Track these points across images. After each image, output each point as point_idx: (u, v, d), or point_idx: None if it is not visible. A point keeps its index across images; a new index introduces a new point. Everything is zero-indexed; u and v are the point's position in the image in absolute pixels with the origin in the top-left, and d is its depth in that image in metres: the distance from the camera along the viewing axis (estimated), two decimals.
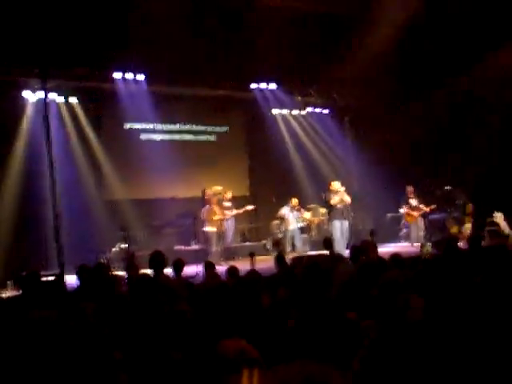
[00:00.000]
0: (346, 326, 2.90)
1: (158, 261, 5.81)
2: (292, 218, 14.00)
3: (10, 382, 1.75)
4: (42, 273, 6.73)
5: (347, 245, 11.92)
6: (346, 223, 12.10)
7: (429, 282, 4.07)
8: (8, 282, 9.55)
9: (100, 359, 1.81)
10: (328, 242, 8.46)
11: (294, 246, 13.81)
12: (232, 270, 6.23)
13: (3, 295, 8.71)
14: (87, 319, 2.78)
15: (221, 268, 8.83)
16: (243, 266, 8.28)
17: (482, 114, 13.72)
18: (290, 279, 4.95)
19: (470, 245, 7.29)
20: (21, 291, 5.71)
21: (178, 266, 6.52)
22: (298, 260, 8.94)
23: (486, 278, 3.84)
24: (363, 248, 7.21)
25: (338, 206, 12.04)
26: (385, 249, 12.32)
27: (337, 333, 2.83)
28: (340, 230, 11.95)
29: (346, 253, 11.08)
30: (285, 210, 14.06)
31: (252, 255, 7.98)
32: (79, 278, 5.73)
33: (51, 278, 7.61)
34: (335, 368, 1.25)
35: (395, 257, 6.41)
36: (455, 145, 14.32)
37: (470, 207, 13.63)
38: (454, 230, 13.95)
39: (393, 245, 14.23)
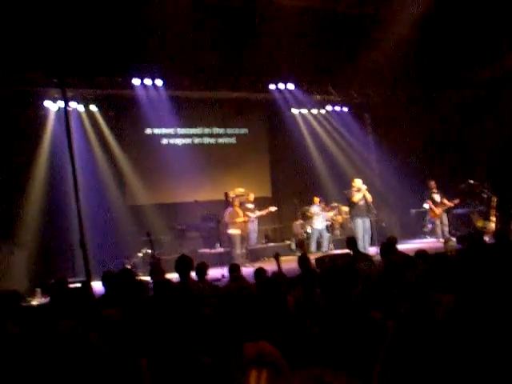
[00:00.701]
0: (370, 326, 2.89)
1: (184, 265, 5.83)
2: (321, 217, 14.02)
3: None
4: (70, 280, 6.81)
5: (371, 242, 11.89)
6: (367, 221, 12.04)
7: (455, 277, 4.03)
8: (37, 290, 9.68)
9: (124, 367, 1.84)
10: (351, 241, 8.41)
11: (319, 246, 13.81)
12: (259, 272, 6.23)
13: (33, 303, 8.85)
14: (112, 327, 2.81)
15: (246, 270, 8.85)
16: (269, 267, 8.28)
17: (504, 108, 13.55)
18: (310, 280, 4.93)
19: (497, 239, 7.20)
20: (49, 298, 5.78)
21: (202, 270, 6.53)
22: (321, 260, 8.92)
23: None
24: (389, 244, 7.18)
25: (360, 203, 11.99)
26: (410, 245, 12.26)
27: (362, 333, 2.82)
28: (362, 227, 11.89)
29: (371, 250, 11.05)
30: (315, 209, 14.06)
31: (277, 256, 7.94)
32: (104, 284, 5.78)
33: (78, 285, 7.70)
34: (351, 376, 1.25)
35: (420, 253, 6.36)
36: (478, 138, 14.17)
37: (495, 200, 13.46)
38: (480, 224, 13.78)
39: (418, 241, 14.13)
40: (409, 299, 2.99)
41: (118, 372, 1.69)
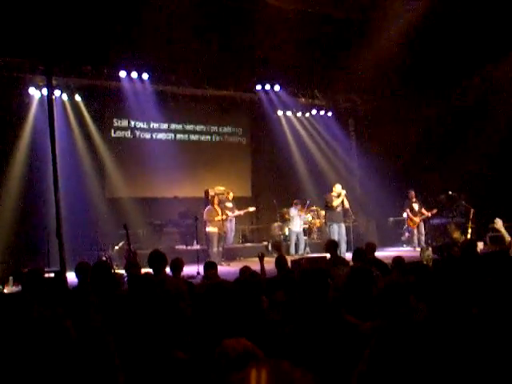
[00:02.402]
0: (344, 329, 2.91)
1: (157, 260, 5.80)
2: (298, 220, 14.04)
3: (8, 380, 1.76)
4: (45, 269, 6.73)
5: (348, 248, 11.95)
6: (343, 226, 12.12)
7: (429, 287, 4.07)
8: (9, 278, 9.56)
9: (99, 359, 1.82)
10: (331, 245, 8.43)
11: (296, 248, 13.84)
12: (245, 270, 6.19)
13: (5, 291, 8.75)
14: (88, 317, 2.79)
15: (221, 269, 8.84)
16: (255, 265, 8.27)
17: (486, 119, 13.69)
18: (289, 282, 4.94)
19: (463, 251, 7.27)
20: (21, 287, 5.71)
21: (177, 266, 6.50)
22: (297, 262, 8.93)
23: (485, 285, 3.84)
24: (363, 251, 7.22)
25: (338, 209, 12.06)
26: (387, 253, 12.32)
27: (335, 335, 2.84)
28: (337, 232, 11.96)
29: (347, 256, 11.10)
30: (293, 212, 14.09)
31: (262, 256, 7.91)
32: (78, 275, 5.72)
33: (52, 275, 7.63)
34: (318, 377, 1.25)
35: (397, 260, 6.42)
36: (458, 149, 14.31)
37: (472, 212, 13.59)
38: (456, 235, 13.91)
39: (395, 249, 14.22)
40: (386, 305, 3.02)
41: (91, 361, 1.68)
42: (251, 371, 1.21)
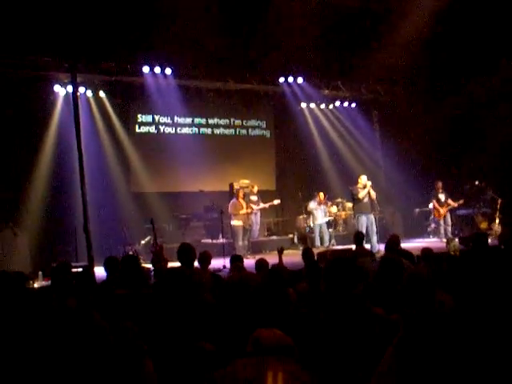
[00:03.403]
0: (372, 321, 2.90)
1: (186, 253, 5.82)
2: (320, 212, 14.00)
3: (35, 369, 1.79)
4: (72, 264, 6.82)
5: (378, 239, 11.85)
6: (371, 217, 12.02)
7: (457, 278, 4.04)
8: (39, 273, 9.71)
9: (126, 348, 1.85)
10: (358, 236, 8.40)
11: (322, 241, 13.80)
12: (261, 263, 6.23)
13: (35, 285, 8.89)
14: (116, 311, 2.83)
15: (247, 262, 8.85)
16: (270, 260, 8.30)
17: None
18: (315, 273, 4.93)
19: (503, 243, 7.16)
20: (51, 282, 5.80)
21: (205, 259, 6.53)
22: (323, 254, 8.92)
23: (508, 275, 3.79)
24: (392, 242, 7.17)
25: (365, 200, 11.97)
26: (413, 244, 12.25)
27: (364, 327, 2.83)
28: (366, 224, 11.88)
29: (379, 247, 11.05)
30: (312, 205, 14.07)
31: (281, 250, 7.97)
32: (106, 269, 5.79)
33: (80, 270, 7.72)
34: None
35: (426, 252, 6.36)
36: (485, 139, 14.12)
37: (499, 203, 13.42)
38: (483, 225, 13.77)
39: (421, 240, 14.12)
40: (414, 297, 3.00)
41: (121, 356, 1.70)
42: (268, 373, 1.21)
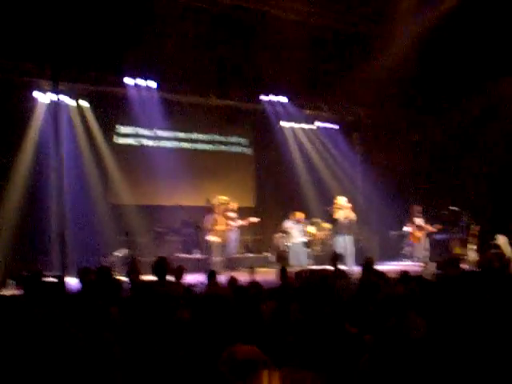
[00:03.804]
0: (346, 340, 2.90)
1: (162, 267, 5.79)
2: (296, 231, 13.98)
3: (9, 379, 1.75)
4: (45, 273, 6.72)
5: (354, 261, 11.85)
6: (349, 238, 12.05)
7: (431, 302, 4.06)
8: (9, 281, 9.55)
9: (99, 359, 1.82)
10: (335, 257, 8.42)
11: (298, 260, 13.77)
12: (231, 281, 6.22)
13: (5, 293, 8.73)
14: (92, 322, 2.79)
15: (222, 278, 8.81)
16: (244, 277, 8.29)
17: (489, 134, 13.70)
18: (290, 293, 4.93)
19: (481, 267, 7.21)
20: (22, 291, 5.70)
21: (178, 273, 6.50)
22: (299, 274, 8.90)
23: (486, 301, 3.82)
24: (368, 264, 7.20)
25: (343, 221, 12.01)
26: (388, 266, 12.29)
27: (337, 346, 2.83)
28: (343, 244, 11.90)
29: (355, 269, 11.06)
30: (288, 224, 14.06)
31: (252, 268, 8.01)
32: (81, 280, 5.73)
33: (52, 279, 7.61)
34: (323, 376, 1.24)
35: (404, 274, 6.38)
36: (463, 165, 14.32)
37: (474, 229, 13.56)
38: (458, 250, 13.89)
39: (396, 263, 14.18)
40: (387, 317, 3.01)
41: (95, 364, 1.67)
42: (263, 375, 1.20)
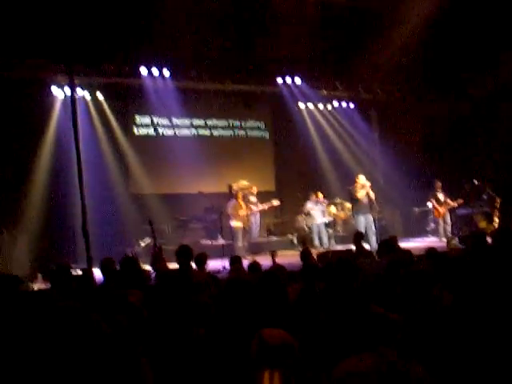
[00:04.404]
0: (373, 320, 2.89)
1: (185, 255, 5.82)
2: (317, 212, 13.97)
3: (31, 370, 1.77)
4: (72, 266, 6.79)
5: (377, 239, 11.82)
6: (370, 217, 12.01)
7: (456, 277, 4.02)
8: (38, 275, 9.69)
9: (126, 355, 1.84)
10: (357, 237, 8.40)
11: (321, 241, 13.77)
12: (254, 265, 6.22)
13: (34, 288, 8.85)
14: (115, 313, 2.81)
15: (246, 263, 8.85)
16: (268, 261, 8.30)
17: (506, 108, 13.50)
18: (311, 274, 4.92)
19: (495, 240, 7.10)
20: (50, 284, 5.77)
21: (201, 260, 6.52)
22: (323, 255, 8.91)
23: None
24: (390, 243, 7.14)
25: (363, 200, 11.96)
26: (412, 244, 12.24)
27: (363, 326, 2.82)
28: (364, 224, 11.86)
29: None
30: (309, 205, 14.05)
31: (273, 253, 8.00)
32: (103, 271, 5.78)
33: (79, 272, 7.70)
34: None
35: (431, 251, 6.31)
36: (483, 138, 14.14)
37: (498, 202, 13.41)
38: (483, 224, 13.75)
39: (420, 239, 14.12)
40: (413, 295, 2.99)
41: (120, 358, 1.69)
42: (264, 374, 1.20)
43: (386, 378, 1.18)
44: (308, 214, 14.16)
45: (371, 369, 1.19)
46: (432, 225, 14.66)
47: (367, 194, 11.96)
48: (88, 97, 13.73)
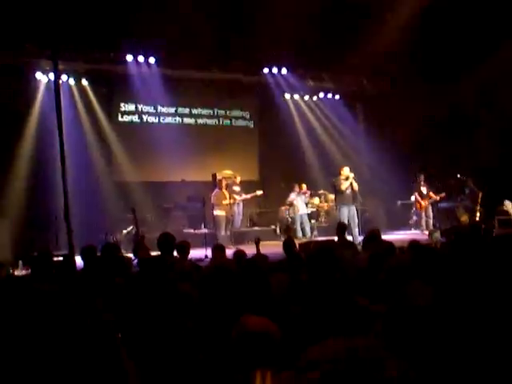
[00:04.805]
0: (355, 311, 2.91)
1: (166, 243, 5.80)
2: (300, 203, 14.01)
3: (11, 356, 1.76)
4: (53, 253, 6.75)
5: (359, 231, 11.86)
6: (353, 209, 12.05)
7: (437, 270, 4.05)
8: (19, 262, 9.62)
9: (102, 336, 1.83)
10: (340, 228, 8.42)
11: (303, 232, 13.82)
12: (239, 254, 6.21)
13: (15, 274, 8.79)
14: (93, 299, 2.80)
15: (229, 252, 8.85)
16: (250, 250, 8.30)
17: (494, 103, 13.59)
18: (296, 264, 4.93)
19: (470, 234, 7.15)
20: (31, 270, 5.74)
21: (184, 248, 6.49)
22: (305, 245, 8.92)
23: (493, 268, 3.81)
24: (373, 235, 7.16)
25: (347, 191, 12.00)
26: (395, 236, 12.30)
27: (346, 316, 2.84)
28: (347, 215, 11.91)
29: (359, 239, 11.06)
30: (292, 196, 14.09)
31: (257, 241, 7.98)
32: (83, 258, 5.75)
33: (61, 258, 7.66)
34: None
35: (413, 243, 6.33)
36: (467, 132, 14.23)
37: (479, 196, 13.54)
38: (464, 218, 13.88)
39: (403, 232, 14.20)
40: (394, 288, 3.01)
41: (96, 344, 1.68)
42: (256, 374, 1.19)
43: (344, 363, 1.17)
44: (291, 205, 14.19)
45: (331, 355, 1.18)
46: (414, 218, 14.76)
47: (351, 185, 11.99)
48: (72, 83, 13.59)
